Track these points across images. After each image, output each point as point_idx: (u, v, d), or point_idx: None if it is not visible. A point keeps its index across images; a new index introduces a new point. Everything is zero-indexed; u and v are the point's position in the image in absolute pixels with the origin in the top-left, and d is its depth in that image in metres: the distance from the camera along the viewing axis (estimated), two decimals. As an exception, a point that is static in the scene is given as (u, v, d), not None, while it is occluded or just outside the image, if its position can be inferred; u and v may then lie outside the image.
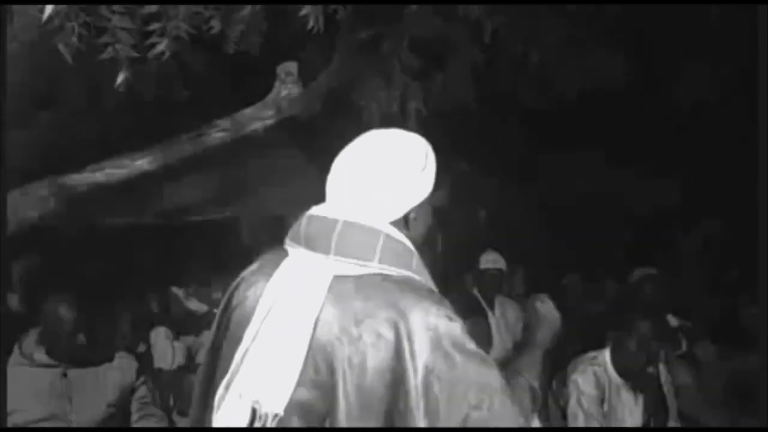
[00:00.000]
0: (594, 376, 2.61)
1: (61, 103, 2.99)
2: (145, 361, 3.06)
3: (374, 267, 1.12)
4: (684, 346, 3.32)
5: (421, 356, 1.06)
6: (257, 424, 1.10)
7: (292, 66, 3.06)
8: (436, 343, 1.07)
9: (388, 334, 1.07)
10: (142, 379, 2.39)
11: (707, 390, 3.09)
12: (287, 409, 1.09)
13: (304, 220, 1.19)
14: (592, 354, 2.71)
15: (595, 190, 4.95)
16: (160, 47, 2.18)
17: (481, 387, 1.07)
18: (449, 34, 3.60)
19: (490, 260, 3.83)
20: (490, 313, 3.56)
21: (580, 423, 2.56)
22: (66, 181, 2.71)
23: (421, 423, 1.05)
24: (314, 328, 1.10)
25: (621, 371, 2.64)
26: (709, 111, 4.34)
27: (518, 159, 4.77)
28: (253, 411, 1.12)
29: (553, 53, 3.83)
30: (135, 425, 2.33)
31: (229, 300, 1.25)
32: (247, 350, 1.13)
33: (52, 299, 2.23)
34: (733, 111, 4.21)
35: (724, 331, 3.40)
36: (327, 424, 1.07)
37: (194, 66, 2.75)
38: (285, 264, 1.17)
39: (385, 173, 1.18)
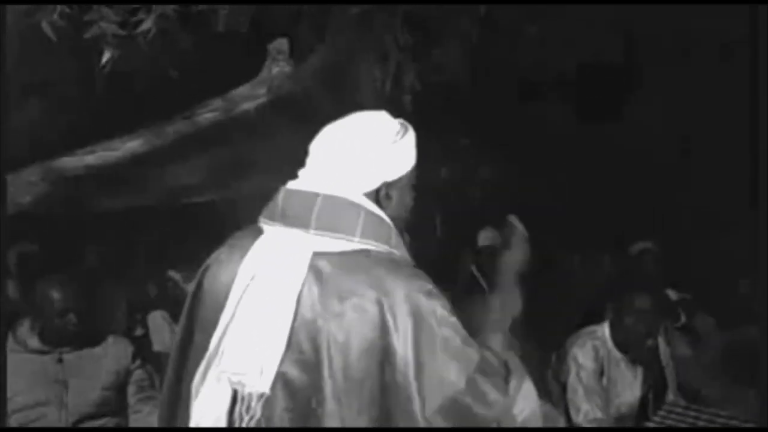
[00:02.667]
0: (593, 350, 2.61)
1: (49, 86, 2.95)
2: (142, 344, 3.05)
3: (356, 242, 1.11)
4: (683, 318, 3.31)
5: (405, 331, 1.05)
6: (240, 406, 1.09)
7: (283, 43, 3.01)
8: (420, 319, 1.06)
9: (372, 311, 1.06)
10: (138, 362, 2.38)
11: (706, 362, 3.10)
12: (272, 388, 1.07)
13: (281, 195, 1.17)
14: (591, 328, 2.71)
15: (593, 164, 4.92)
16: (146, 24, 2.13)
17: (463, 364, 1.08)
18: (443, 8, 3.55)
19: (488, 237, 3.82)
20: (487, 290, 3.56)
21: (580, 397, 2.56)
22: (56, 165, 2.69)
23: (414, 397, 1.04)
24: (297, 305, 1.08)
25: (620, 345, 2.63)
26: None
27: (517, 135, 4.73)
28: (234, 393, 1.10)
29: (549, 26, 3.78)
30: (133, 408, 2.33)
31: (199, 286, 1.22)
32: (224, 332, 1.11)
33: (42, 281, 2.21)
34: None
35: (722, 303, 3.39)
36: (313, 403, 1.06)
37: (183, 45, 2.70)
38: (259, 242, 1.15)
39: (354, 144, 1.16)
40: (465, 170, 4.70)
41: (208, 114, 2.86)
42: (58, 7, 1.92)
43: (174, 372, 1.24)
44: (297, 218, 1.12)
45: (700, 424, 2.13)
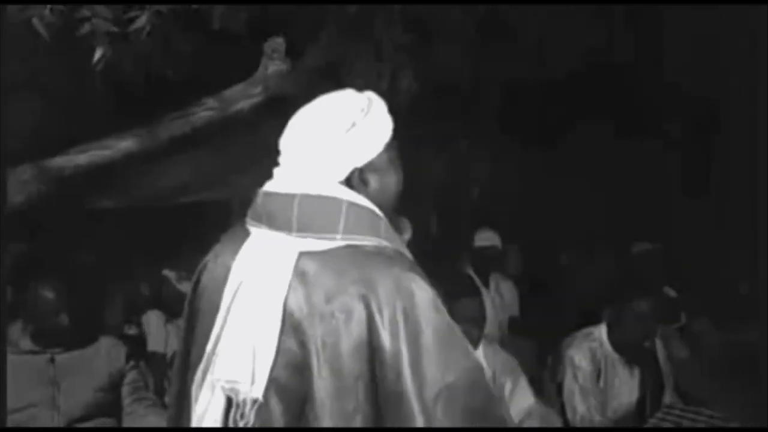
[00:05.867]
0: (590, 351, 2.60)
1: (41, 84, 2.92)
2: (136, 344, 3.02)
3: (339, 239, 1.07)
4: (683, 320, 3.30)
5: (393, 327, 1.03)
6: (234, 412, 1.08)
7: (279, 42, 2.99)
8: (407, 313, 1.04)
9: (359, 309, 1.04)
10: (132, 363, 2.35)
11: (704, 364, 3.09)
12: (265, 394, 1.06)
13: (259, 198, 1.13)
14: (587, 330, 2.69)
15: (593, 164, 4.92)
16: (140, 22, 2.11)
17: (457, 354, 1.05)
18: (441, 7, 3.53)
19: (485, 238, 3.80)
20: (484, 291, 3.54)
21: (577, 399, 2.55)
22: (49, 164, 2.66)
23: (407, 392, 1.02)
24: (284, 309, 1.06)
25: (617, 346, 2.62)
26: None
27: (515, 135, 4.71)
28: (229, 400, 1.09)
29: (548, 25, 3.76)
30: (127, 409, 2.30)
31: (195, 287, 1.21)
32: (218, 337, 1.10)
33: (34, 282, 2.19)
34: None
35: (721, 305, 3.39)
36: (307, 407, 1.05)
37: (178, 43, 2.68)
38: (247, 244, 1.13)
39: (315, 131, 1.11)
40: (462, 170, 4.69)
41: (202, 113, 2.84)
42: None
43: (179, 369, 1.24)
44: (278, 222, 1.09)
45: (698, 426, 2.12)
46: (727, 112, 4.49)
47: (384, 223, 1.11)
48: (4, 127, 2.38)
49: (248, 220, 1.16)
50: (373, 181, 1.13)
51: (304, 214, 1.07)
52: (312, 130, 1.11)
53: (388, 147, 1.15)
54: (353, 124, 1.11)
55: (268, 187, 1.14)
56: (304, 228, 1.07)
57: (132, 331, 3.42)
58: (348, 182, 1.11)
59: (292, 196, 1.09)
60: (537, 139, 4.76)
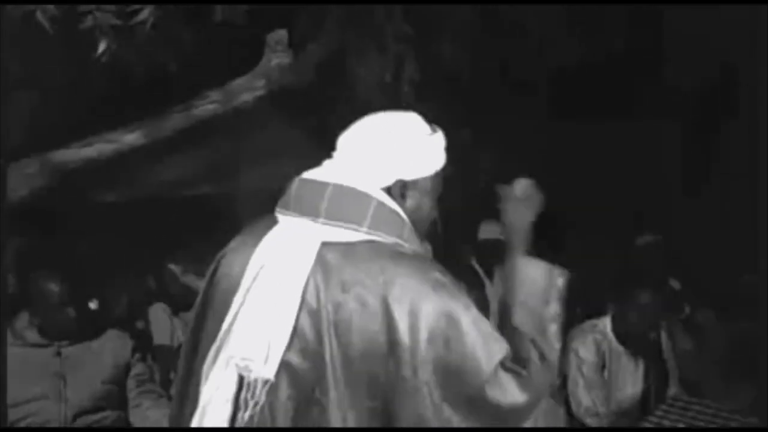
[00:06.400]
0: (594, 343, 2.60)
1: (45, 78, 2.92)
2: (142, 338, 3.04)
3: (363, 233, 1.09)
4: (687, 311, 3.30)
5: (411, 324, 1.04)
6: (245, 392, 1.08)
7: (282, 34, 2.98)
8: (424, 310, 1.04)
9: (374, 303, 1.05)
10: (138, 355, 2.36)
11: (709, 355, 3.09)
12: (277, 375, 1.07)
13: (294, 184, 1.16)
14: (592, 322, 2.70)
15: (593, 158, 4.90)
16: (143, 14, 2.10)
17: (483, 354, 1.05)
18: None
19: (490, 230, 3.79)
20: (487, 283, 3.54)
21: (581, 391, 2.55)
22: (53, 158, 2.66)
23: (421, 388, 1.03)
24: (302, 296, 1.07)
25: (622, 338, 2.62)
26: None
27: (517, 128, 4.70)
28: (241, 379, 1.09)
29: (551, 19, 3.74)
30: (133, 402, 2.31)
31: (214, 274, 1.22)
32: (235, 317, 1.12)
33: (40, 275, 2.19)
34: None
35: (726, 297, 3.38)
36: (317, 392, 1.06)
37: (181, 35, 2.67)
38: (273, 232, 1.14)
39: (375, 137, 1.16)
40: (465, 162, 4.67)
41: (207, 106, 2.83)
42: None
43: (185, 359, 1.25)
44: (307, 207, 1.12)
45: (702, 418, 2.12)
46: (729, 103, 4.47)
47: (408, 227, 1.14)
48: (5, 120, 2.39)
49: (278, 208, 1.18)
50: (411, 198, 1.17)
51: (333, 203, 1.10)
52: (380, 133, 1.16)
53: (435, 176, 1.20)
54: (416, 140, 1.16)
55: (306, 174, 1.16)
56: (330, 216, 1.10)
57: (139, 325, 3.43)
58: (388, 190, 1.15)
59: (326, 185, 1.12)
60: (542, 130, 4.75)
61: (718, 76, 4.31)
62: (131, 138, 2.76)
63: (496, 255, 3.77)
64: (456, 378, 1.04)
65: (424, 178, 1.18)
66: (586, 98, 4.64)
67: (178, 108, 2.84)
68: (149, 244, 3.89)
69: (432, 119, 1.23)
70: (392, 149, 1.15)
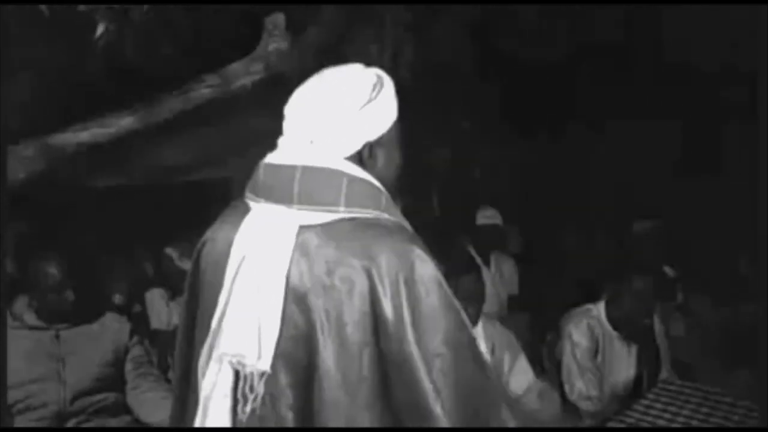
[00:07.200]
0: (588, 328, 2.62)
1: (42, 61, 2.90)
2: (139, 321, 3.05)
3: (341, 211, 1.08)
4: (680, 298, 3.32)
5: (395, 296, 1.04)
6: (243, 385, 1.09)
7: (279, 18, 2.96)
8: (408, 283, 1.05)
9: (361, 281, 1.05)
10: (136, 338, 2.38)
11: (701, 340, 3.11)
12: (273, 366, 1.08)
13: (260, 171, 1.13)
14: (586, 306, 2.71)
15: (593, 143, 4.91)
16: (140, -2, 2.09)
17: (449, 330, 1.06)
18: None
19: (487, 216, 3.81)
20: (484, 269, 3.56)
21: (574, 375, 2.57)
22: (50, 142, 2.66)
23: (411, 361, 1.03)
24: (287, 283, 1.07)
25: (615, 323, 2.64)
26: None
27: (517, 115, 4.70)
28: (236, 373, 1.10)
29: (550, 5, 3.72)
30: (131, 384, 2.33)
31: (197, 264, 1.21)
32: (223, 313, 1.11)
33: (38, 258, 2.20)
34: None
35: (719, 282, 3.40)
36: (315, 377, 1.06)
37: (178, 19, 2.66)
38: (247, 220, 1.13)
39: (329, 106, 1.11)
40: (463, 149, 4.68)
41: (204, 90, 2.82)
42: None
43: (182, 348, 1.25)
44: (279, 194, 1.09)
45: (694, 401, 2.14)
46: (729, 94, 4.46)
47: (385, 196, 1.12)
48: (4, 104, 2.38)
49: (247, 194, 1.15)
50: (381, 155, 1.15)
51: (305, 187, 1.08)
52: (325, 105, 1.11)
53: (395, 124, 1.17)
54: (368, 100, 1.12)
55: (270, 159, 1.13)
56: (305, 200, 1.08)
57: (136, 309, 3.44)
58: (358, 156, 1.13)
59: (294, 168, 1.09)
60: (539, 119, 4.74)
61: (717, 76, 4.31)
62: (128, 122, 2.75)
63: (493, 240, 3.82)
64: (432, 349, 1.05)
65: (388, 130, 1.15)
66: (583, 84, 4.63)
67: (175, 92, 2.82)
68: (146, 228, 3.89)
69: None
70: (350, 116, 1.11)
